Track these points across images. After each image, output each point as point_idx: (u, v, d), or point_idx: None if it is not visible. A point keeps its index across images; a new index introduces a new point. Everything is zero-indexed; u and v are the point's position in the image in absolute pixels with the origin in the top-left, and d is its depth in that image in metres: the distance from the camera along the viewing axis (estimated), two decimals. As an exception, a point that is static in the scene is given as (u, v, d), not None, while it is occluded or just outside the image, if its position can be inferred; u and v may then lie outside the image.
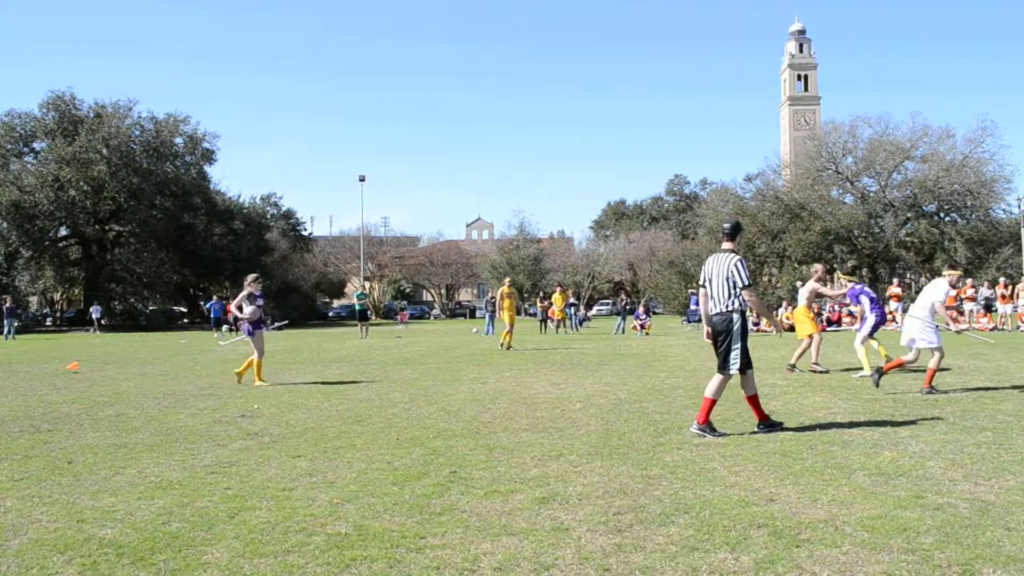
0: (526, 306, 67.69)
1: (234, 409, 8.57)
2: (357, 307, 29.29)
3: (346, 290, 76.25)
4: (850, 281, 12.49)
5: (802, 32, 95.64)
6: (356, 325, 29.93)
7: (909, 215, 48.45)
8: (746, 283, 6.42)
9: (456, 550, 3.67)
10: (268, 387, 10.76)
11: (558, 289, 29.39)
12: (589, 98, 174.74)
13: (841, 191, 52.82)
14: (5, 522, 4.28)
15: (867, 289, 11.49)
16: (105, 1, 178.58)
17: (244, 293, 11.46)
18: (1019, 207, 46.77)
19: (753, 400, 6.60)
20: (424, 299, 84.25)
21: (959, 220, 48.03)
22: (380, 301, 73.22)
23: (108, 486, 5.05)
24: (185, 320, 52.12)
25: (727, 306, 6.46)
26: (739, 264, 6.47)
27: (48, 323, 53.80)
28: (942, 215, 48.82)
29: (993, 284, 26.13)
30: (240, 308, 11.44)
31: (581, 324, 32.01)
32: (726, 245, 6.70)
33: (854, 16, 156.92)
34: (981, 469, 5.01)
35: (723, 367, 6.46)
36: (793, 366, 11.36)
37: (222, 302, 33.15)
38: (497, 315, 23.64)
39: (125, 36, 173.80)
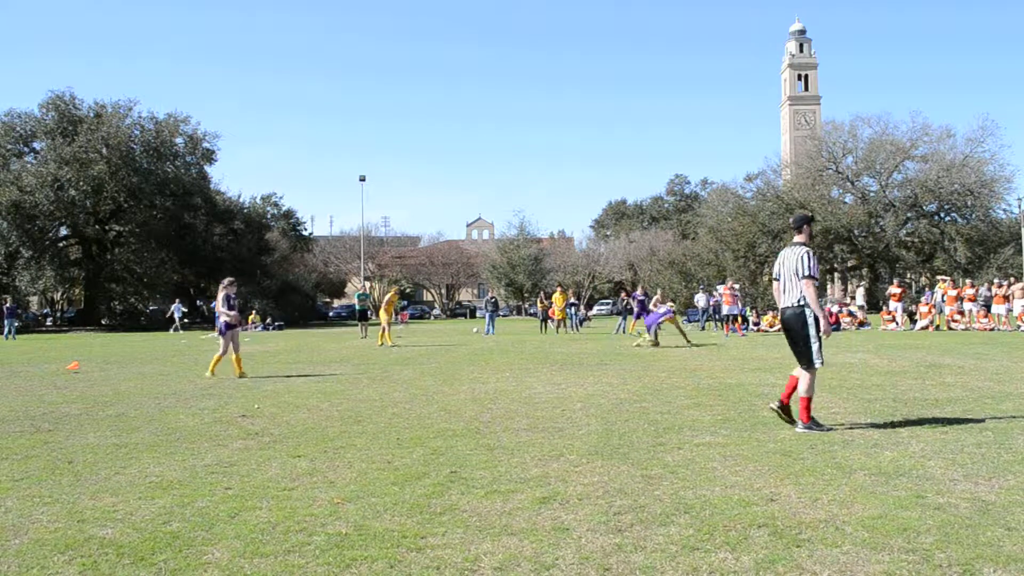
0: (526, 306, 67.70)
1: (234, 409, 8.57)
2: (357, 307, 29.31)
3: (346, 290, 76.23)
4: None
5: (802, 32, 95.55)
6: (356, 325, 29.95)
7: (909, 215, 48.48)
8: (807, 274, 6.41)
9: (456, 550, 3.67)
10: (214, 380, 11.76)
11: (558, 289, 29.38)
12: (589, 98, 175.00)
13: (841, 191, 52.86)
14: (6, 522, 4.28)
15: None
16: (105, 1, 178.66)
17: (222, 295, 12.51)
18: (1019, 207, 46.76)
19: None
20: (424, 299, 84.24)
21: (959, 220, 48.05)
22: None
23: (108, 486, 5.05)
24: (186, 320, 52.04)
25: (798, 300, 6.49)
26: (806, 256, 6.48)
27: (48, 323, 53.80)
28: (942, 215, 48.81)
29: (991, 284, 26.11)
30: (227, 308, 12.42)
31: (581, 324, 31.98)
32: (797, 238, 6.72)
33: (854, 16, 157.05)
34: (981, 469, 5.01)
35: (808, 363, 6.48)
36: None
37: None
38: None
39: (126, 36, 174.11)
